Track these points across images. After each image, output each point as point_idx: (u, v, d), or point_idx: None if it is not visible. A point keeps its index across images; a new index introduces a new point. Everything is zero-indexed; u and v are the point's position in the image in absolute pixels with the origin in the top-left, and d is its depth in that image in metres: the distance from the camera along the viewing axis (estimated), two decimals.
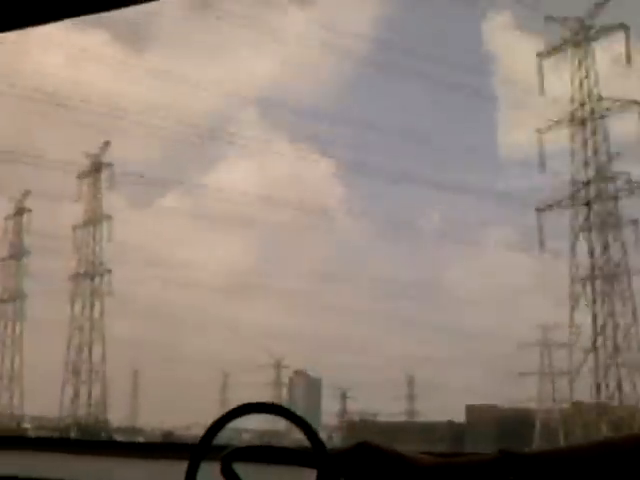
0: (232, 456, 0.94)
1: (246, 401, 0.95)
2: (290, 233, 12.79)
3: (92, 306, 17.53)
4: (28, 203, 19.51)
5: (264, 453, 0.97)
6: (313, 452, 0.93)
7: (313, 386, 15.48)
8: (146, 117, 12.11)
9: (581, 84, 13.11)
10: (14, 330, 19.85)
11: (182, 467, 0.92)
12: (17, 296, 19.72)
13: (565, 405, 16.88)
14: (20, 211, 21.11)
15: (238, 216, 12.89)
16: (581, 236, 15.65)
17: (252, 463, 0.95)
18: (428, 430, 19.39)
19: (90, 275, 17.84)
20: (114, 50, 12.13)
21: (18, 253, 20.10)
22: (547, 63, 14.05)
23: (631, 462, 0.81)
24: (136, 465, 1.57)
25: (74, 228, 17.75)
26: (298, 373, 15.09)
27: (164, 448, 1.67)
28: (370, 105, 11.44)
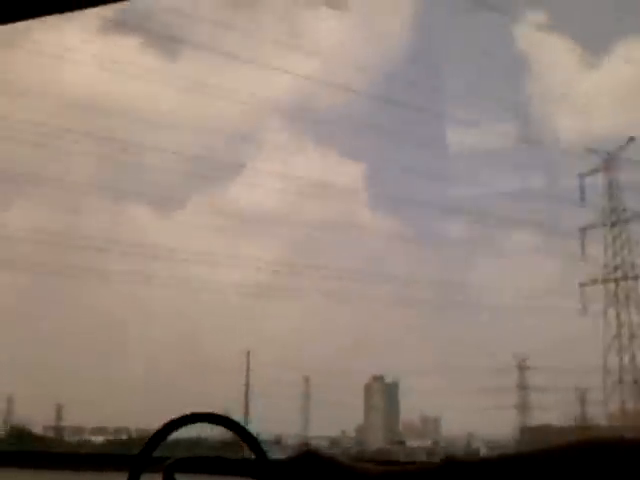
0: (174, 467, 0.93)
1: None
2: (317, 242, 12.56)
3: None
4: None
5: (206, 464, 0.96)
6: (256, 462, 0.92)
7: (390, 391, 15.33)
8: (176, 124, 11.95)
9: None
10: None
11: (122, 478, 0.91)
12: None
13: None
14: None
15: (266, 221, 12.69)
16: None
17: (195, 474, 0.93)
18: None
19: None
20: (145, 57, 11.95)
21: None
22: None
23: (573, 469, 0.81)
24: (77, 477, 1.54)
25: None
26: (375, 379, 14.92)
27: (105, 459, 1.65)
28: (402, 111, 11.12)
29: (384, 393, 15.62)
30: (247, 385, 14.02)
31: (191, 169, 13.97)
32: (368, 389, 15.68)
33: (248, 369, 14.01)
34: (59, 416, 12.09)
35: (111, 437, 11.44)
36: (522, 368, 14.17)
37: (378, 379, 15.85)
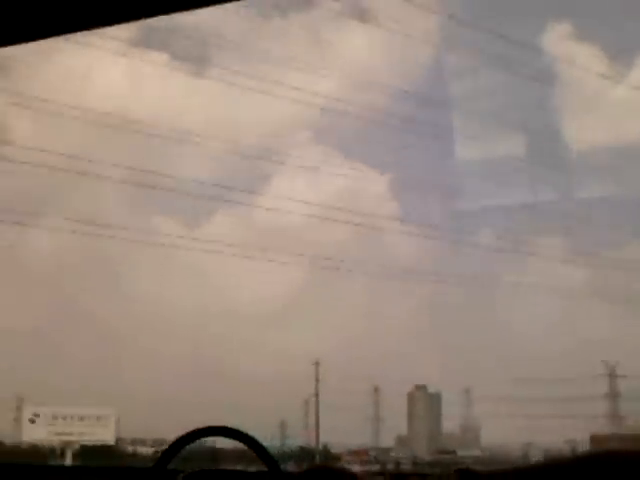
0: (189, 479, 0.94)
1: None
2: (345, 250, 12.56)
3: None
4: None
5: (220, 476, 0.97)
6: (269, 474, 0.93)
7: (433, 401, 15.28)
8: (204, 136, 11.99)
9: None
10: None
11: None
12: None
13: None
14: None
15: (292, 234, 12.70)
16: None
17: None
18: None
19: None
20: (173, 70, 12.05)
21: None
22: None
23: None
24: None
25: None
26: (418, 388, 14.88)
27: (119, 472, 1.65)
28: (428, 124, 11.04)
29: (427, 402, 15.52)
30: (317, 395, 13.85)
31: (217, 183, 14.02)
32: (411, 398, 15.59)
33: (317, 380, 13.86)
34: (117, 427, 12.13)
35: (152, 448, 11.48)
36: (612, 376, 13.91)
37: (420, 388, 15.77)
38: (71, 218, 11.49)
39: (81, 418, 12.05)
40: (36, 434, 11.87)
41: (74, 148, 11.93)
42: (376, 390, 14.68)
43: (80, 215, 11.91)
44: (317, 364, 12.84)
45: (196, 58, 12.02)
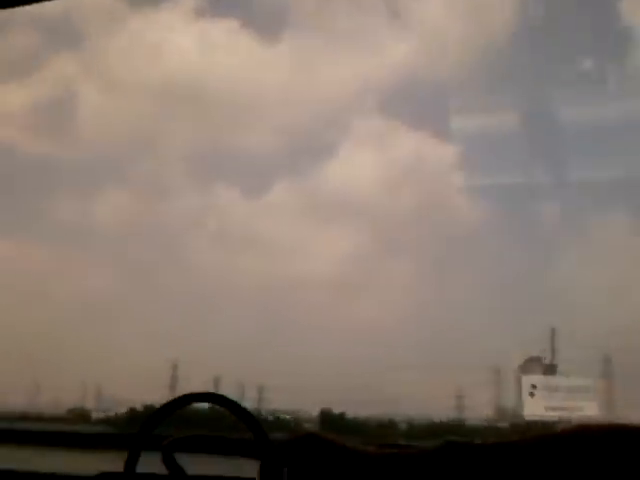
0: (173, 446, 0.93)
1: None
2: (408, 223, 12.43)
3: None
4: None
5: (206, 443, 0.95)
6: (256, 442, 0.91)
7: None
8: (270, 104, 12.00)
9: None
10: None
11: (122, 457, 0.92)
12: None
13: None
14: None
15: (355, 205, 12.60)
16: None
17: (194, 453, 0.93)
18: None
19: None
20: (244, 39, 12.02)
21: None
22: None
23: (568, 455, 0.79)
24: (76, 455, 1.57)
25: None
26: (532, 359, 14.66)
27: (104, 438, 1.66)
28: (500, 92, 10.73)
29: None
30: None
31: (286, 151, 13.99)
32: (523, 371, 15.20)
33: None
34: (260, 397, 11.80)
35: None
36: None
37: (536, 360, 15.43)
38: (135, 188, 11.61)
39: (570, 390, 10.51)
40: (536, 409, 10.28)
41: (141, 118, 11.95)
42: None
43: (144, 184, 12.00)
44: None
45: (267, 25, 11.89)
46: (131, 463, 0.91)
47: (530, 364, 14.12)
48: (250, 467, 0.92)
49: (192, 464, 0.93)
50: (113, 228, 12.78)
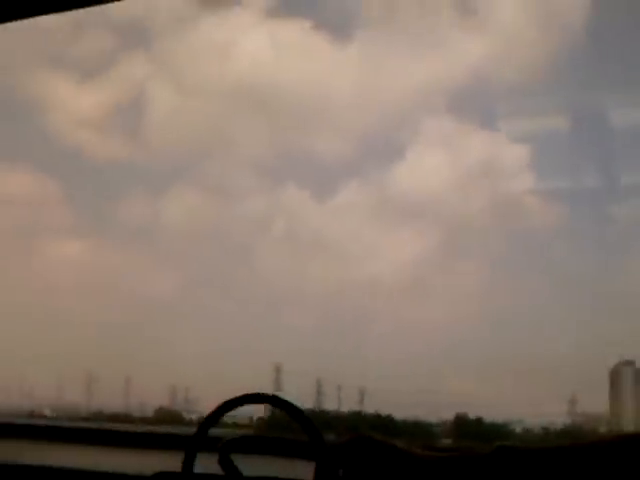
0: (230, 446, 0.94)
1: None
2: (479, 226, 12.08)
3: None
4: None
5: (262, 444, 0.97)
6: (312, 444, 0.92)
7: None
8: (341, 105, 11.86)
9: None
10: None
11: (178, 457, 0.93)
12: None
13: None
14: None
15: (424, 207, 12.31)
16: None
17: (250, 454, 0.94)
18: None
19: None
20: (315, 40, 11.89)
21: None
22: None
23: (620, 462, 0.78)
24: (132, 455, 1.59)
25: None
26: (626, 363, 14.23)
27: (161, 438, 1.69)
28: (576, 93, 10.21)
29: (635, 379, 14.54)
30: None
31: (356, 153, 13.89)
32: (615, 374, 14.75)
33: None
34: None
35: None
36: None
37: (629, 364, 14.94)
38: (204, 189, 11.64)
39: None
40: None
41: (211, 119, 12.00)
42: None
43: (213, 187, 12.03)
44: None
45: (338, 25, 11.81)
46: (188, 463, 0.93)
47: (622, 368, 13.77)
48: (305, 468, 0.93)
49: (248, 465, 0.94)
50: (183, 230, 12.84)
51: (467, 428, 6.68)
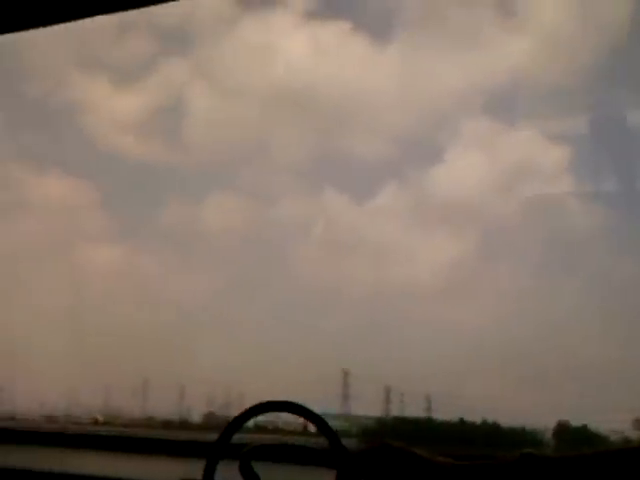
0: (251, 454, 0.94)
1: None
2: (516, 229, 11.92)
3: None
4: None
5: (283, 452, 0.97)
6: (333, 452, 0.92)
7: None
8: (381, 111, 11.77)
9: None
10: None
11: (200, 465, 0.93)
12: None
13: None
14: None
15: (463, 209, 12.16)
16: None
17: (271, 462, 0.94)
18: None
19: None
20: (355, 42, 11.83)
21: None
22: None
23: None
24: (154, 462, 1.59)
25: None
26: None
27: (182, 445, 1.69)
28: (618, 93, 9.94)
29: None
30: None
31: (395, 155, 13.77)
32: None
33: None
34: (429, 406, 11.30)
35: None
36: None
37: None
38: (242, 193, 11.61)
39: None
40: None
41: (250, 123, 12.05)
42: None
43: (251, 190, 12.04)
44: None
45: (378, 27, 11.76)
46: (209, 471, 0.93)
47: None
48: (326, 476, 0.93)
49: (269, 473, 0.94)
50: (222, 234, 12.85)
51: (569, 435, 6.49)
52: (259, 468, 0.94)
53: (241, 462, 0.94)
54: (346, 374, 8.19)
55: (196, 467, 0.95)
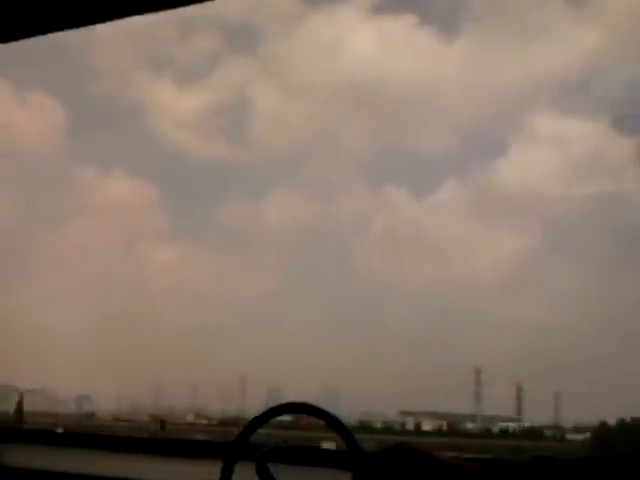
0: (267, 456, 0.94)
1: None
2: (581, 223, 11.66)
3: None
4: None
5: (299, 454, 0.96)
6: (349, 454, 0.92)
7: None
8: (447, 105, 11.64)
9: None
10: None
11: (217, 466, 0.94)
12: None
13: None
14: None
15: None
16: None
17: (287, 464, 0.94)
18: None
19: None
20: (422, 35, 11.70)
21: None
22: None
23: None
24: (169, 463, 1.59)
25: None
26: None
27: (199, 446, 1.69)
28: None
29: None
30: None
31: (461, 149, 13.58)
32: None
33: None
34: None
35: None
36: None
37: None
38: (304, 189, 11.56)
39: None
40: None
41: (315, 118, 12.00)
42: None
43: (313, 185, 11.98)
44: None
45: (444, 19, 11.58)
46: (226, 472, 0.94)
47: None
48: (343, 479, 0.92)
49: (285, 474, 0.94)
50: (282, 231, 12.80)
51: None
52: (276, 470, 0.94)
53: (257, 464, 0.94)
54: (478, 372, 7.63)
55: (214, 468, 0.96)
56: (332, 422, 0.93)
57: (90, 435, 1.95)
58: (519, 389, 8.37)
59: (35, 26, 1.83)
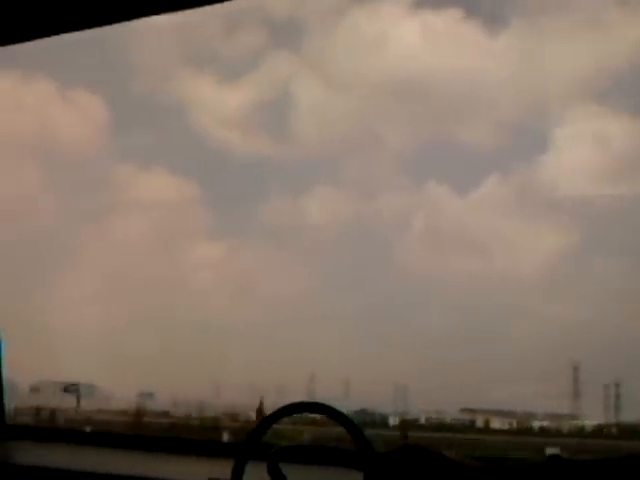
0: (278, 455, 0.94)
1: None
2: (624, 222, 11.49)
3: None
4: None
5: (311, 453, 0.96)
6: (360, 454, 0.91)
7: None
8: (492, 100, 11.55)
9: None
10: None
11: (229, 465, 0.94)
12: None
13: None
14: None
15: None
16: None
17: (299, 463, 0.94)
18: None
19: None
20: (467, 29, 11.60)
21: None
22: None
23: None
24: (181, 462, 1.59)
25: None
26: None
27: (209, 445, 1.68)
28: None
29: None
30: None
31: (504, 144, 13.43)
32: None
33: None
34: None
35: None
36: None
37: None
38: (346, 185, 11.52)
39: None
40: None
41: (358, 114, 12.07)
42: None
43: (355, 182, 11.98)
44: None
45: (490, 12, 11.54)
46: (238, 471, 0.93)
47: None
48: (354, 478, 0.92)
49: (296, 474, 0.94)
50: (324, 228, 12.74)
51: None
52: (287, 469, 0.93)
53: (269, 463, 0.94)
54: (576, 369, 7.45)
55: (225, 467, 0.95)
56: (344, 422, 0.92)
57: (107, 434, 1.96)
58: (615, 386, 8.23)
59: (80, 21, 1.84)
